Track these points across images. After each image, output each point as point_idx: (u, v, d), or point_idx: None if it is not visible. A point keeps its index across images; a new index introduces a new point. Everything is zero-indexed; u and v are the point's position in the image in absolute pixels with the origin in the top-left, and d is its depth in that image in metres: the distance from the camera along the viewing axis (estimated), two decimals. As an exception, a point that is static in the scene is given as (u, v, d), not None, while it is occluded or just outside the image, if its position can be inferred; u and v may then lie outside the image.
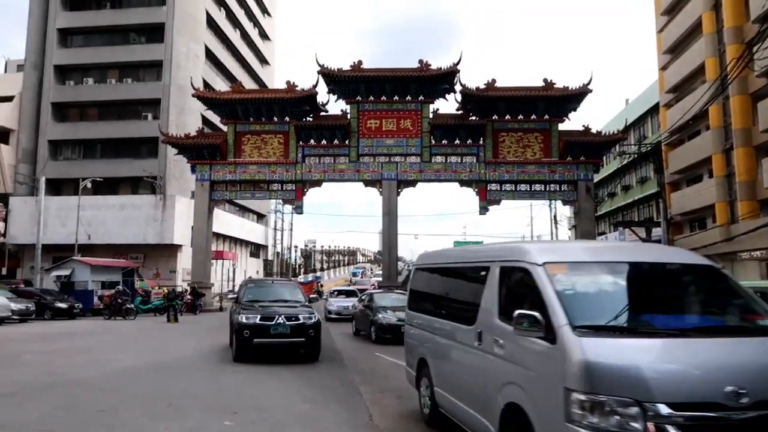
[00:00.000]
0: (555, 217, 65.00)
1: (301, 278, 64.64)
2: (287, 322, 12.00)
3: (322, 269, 76.42)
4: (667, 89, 38.15)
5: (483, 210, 34.10)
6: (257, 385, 9.59)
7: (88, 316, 27.73)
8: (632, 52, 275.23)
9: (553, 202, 59.58)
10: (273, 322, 11.97)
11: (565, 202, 34.99)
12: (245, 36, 62.08)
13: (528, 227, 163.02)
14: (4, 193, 43.42)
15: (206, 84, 48.22)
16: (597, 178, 37.92)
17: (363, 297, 20.76)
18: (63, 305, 26.10)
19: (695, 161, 35.22)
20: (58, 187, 45.38)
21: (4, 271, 41.38)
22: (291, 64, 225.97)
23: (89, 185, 39.01)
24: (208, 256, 35.55)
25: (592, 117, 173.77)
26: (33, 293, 26.54)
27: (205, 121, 46.09)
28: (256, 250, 69.68)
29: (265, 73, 68.01)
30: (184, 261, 46.23)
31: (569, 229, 71.95)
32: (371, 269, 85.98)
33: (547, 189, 33.98)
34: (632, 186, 48.91)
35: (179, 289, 37.18)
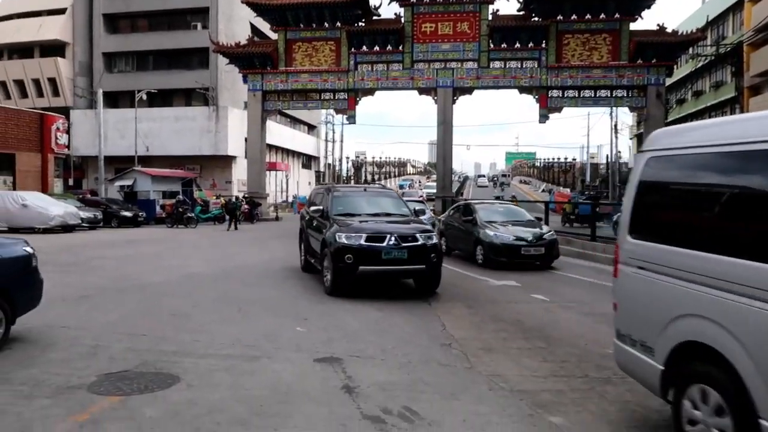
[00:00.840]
0: (615, 126, 62.10)
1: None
2: (402, 244, 9.02)
3: (373, 180, 76.29)
4: (754, -19, 34.38)
5: (543, 118, 32.54)
6: (323, 294, 9.50)
7: (151, 224, 28.62)
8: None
9: (615, 109, 56.82)
10: (384, 244, 8.94)
11: (632, 109, 32.99)
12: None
13: (584, 137, 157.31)
14: (65, 106, 44.28)
15: (254, -11, 46.53)
16: (667, 83, 35.35)
17: (456, 208, 16.82)
18: (128, 214, 26.93)
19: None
20: (114, 99, 45.91)
21: (71, 182, 43.00)
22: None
23: (144, 97, 39.21)
24: (263, 166, 35.72)
25: (664, 16, 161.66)
26: (100, 202, 27.46)
27: (255, 30, 44.92)
28: (307, 161, 70.00)
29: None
30: (239, 172, 46.87)
31: (630, 139, 68.90)
32: (419, 181, 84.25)
33: (613, 95, 31.93)
34: (705, 91, 45.65)
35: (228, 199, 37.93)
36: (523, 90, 32.38)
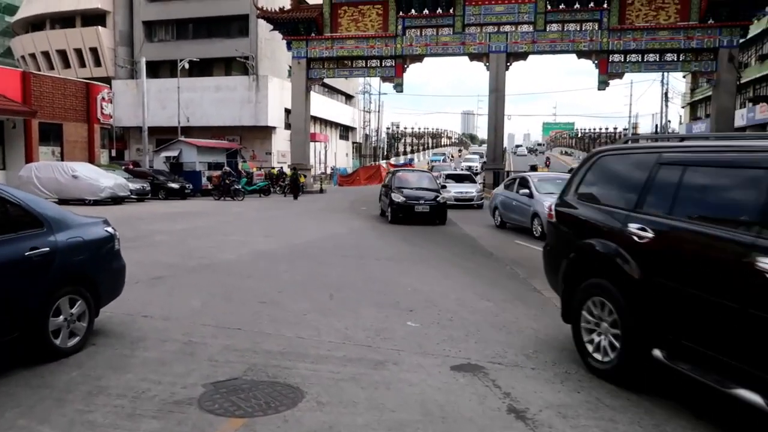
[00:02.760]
0: (666, 93, 59.23)
1: (392, 160, 63.84)
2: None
3: (412, 151, 74.82)
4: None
5: (602, 85, 30.68)
6: (412, 275, 8.61)
7: (197, 196, 28.20)
8: None
9: (667, 76, 53.90)
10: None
11: (701, 74, 30.84)
12: None
13: (626, 107, 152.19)
14: (106, 76, 43.99)
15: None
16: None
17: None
18: (175, 185, 26.47)
19: None
20: (154, 69, 45.41)
21: (113, 153, 42.95)
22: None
23: (186, 66, 38.51)
24: (307, 137, 34.88)
25: None
26: (147, 174, 27.05)
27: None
28: (345, 132, 68.92)
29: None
30: (279, 143, 46.26)
31: (682, 107, 65.67)
32: (451, 155, 76.55)
33: (680, 59, 29.84)
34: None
35: (278, 171, 37.31)
36: (581, 54, 30.53)
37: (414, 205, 16.09)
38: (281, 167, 37.40)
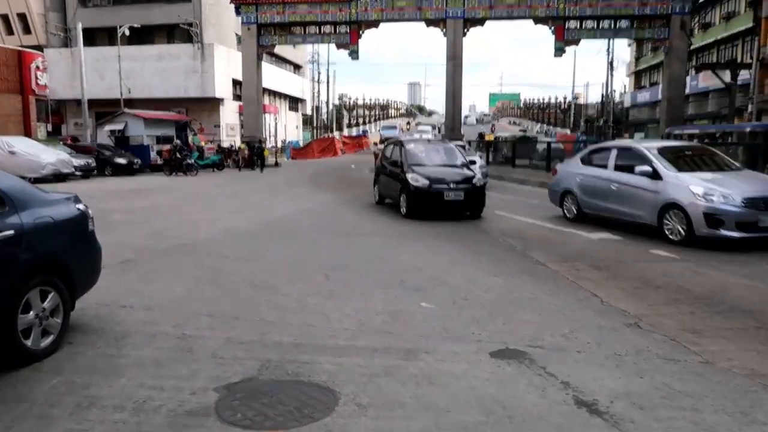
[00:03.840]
0: (611, 63, 60.14)
1: (345, 132, 62.72)
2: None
3: (362, 123, 73.61)
4: None
5: (559, 52, 30.71)
6: (405, 253, 8.11)
7: (146, 172, 26.71)
8: None
9: (612, 44, 54.47)
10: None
11: (654, 41, 31.13)
12: None
13: (571, 77, 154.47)
14: (37, 44, 40.87)
15: None
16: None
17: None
18: (122, 161, 24.91)
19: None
20: (90, 36, 42.32)
21: (49, 128, 40.25)
22: None
23: (127, 32, 36.10)
24: (260, 108, 33.62)
25: None
26: (91, 149, 25.27)
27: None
28: (294, 104, 67.05)
29: None
30: (227, 116, 44.52)
31: (627, 76, 67.00)
32: (402, 126, 74.21)
33: (634, 25, 30.06)
34: (714, 24, 43.81)
35: (228, 145, 35.91)
36: (538, 20, 30.35)
37: (443, 191, 11.10)
38: (258, 140, 36.70)
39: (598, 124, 52.36)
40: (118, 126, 27.95)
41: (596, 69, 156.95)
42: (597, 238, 9.12)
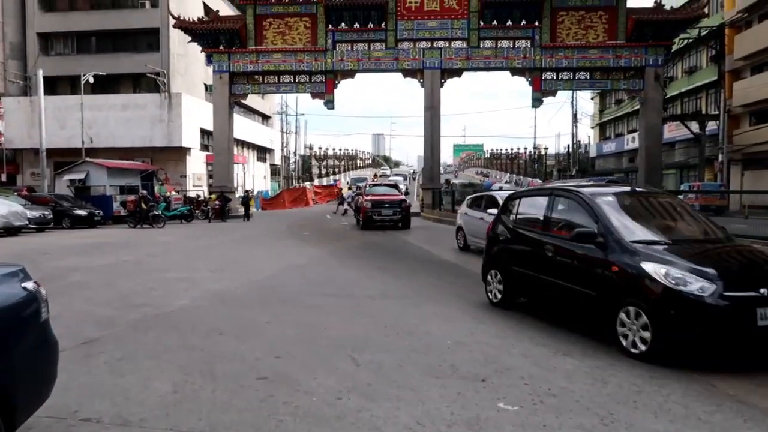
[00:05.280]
0: (576, 115, 61.30)
1: (316, 182, 61.73)
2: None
3: (327, 174, 72.36)
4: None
5: (536, 102, 30.62)
6: (435, 319, 6.78)
7: (108, 224, 24.86)
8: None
9: (575, 97, 55.45)
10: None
11: (629, 92, 31.31)
12: None
13: (531, 129, 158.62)
14: (-6, 93, 39.02)
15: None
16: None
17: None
18: (82, 212, 23.06)
19: (772, 44, 31.29)
20: (52, 85, 40.76)
21: (3, 178, 37.91)
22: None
23: (91, 80, 34.66)
24: (231, 157, 32.28)
25: None
26: (48, 199, 23.36)
27: (209, 11, 40.91)
28: (262, 153, 65.93)
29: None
30: (194, 165, 43.03)
31: (592, 128, 68.37)
32: (373, 176, 74.66)
33: (610, 77, 30.23)
34: (676, 77, 44.96)
35: (195, 195, 34.35)
36: (515, 72, 30.28)
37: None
38: (246, 190, 36.26)
39: (571, 174, 52.70)
40: (78, 175, 26.16)
41: (560, 121, 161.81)
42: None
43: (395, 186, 25.21)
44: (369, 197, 21.79)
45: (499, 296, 7.26)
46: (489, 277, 7.53)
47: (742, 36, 34.68)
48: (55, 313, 3.58)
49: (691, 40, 36.05)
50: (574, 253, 5.91)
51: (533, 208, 7.07)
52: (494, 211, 10.89)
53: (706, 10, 29.73)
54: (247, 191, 35.05)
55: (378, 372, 4.75)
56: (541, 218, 6.64)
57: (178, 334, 5.99)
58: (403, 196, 22.70)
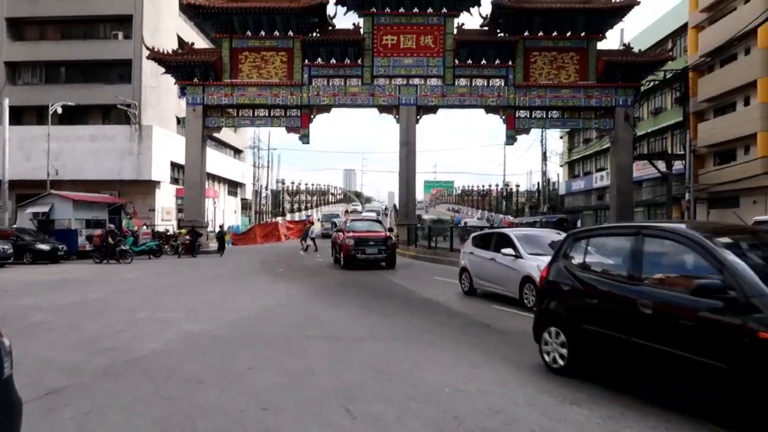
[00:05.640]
0: (545, 153, 62.48)
1: (288, 217, 61.16)
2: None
3: (299, 209, 72.07)
4: (701, 8, 34.94)
5: (510, 140, 30.98)
6: (431, 366, 6.40)
7: (73, 259, 23.88)
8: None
9: (545, 135, 56.64)
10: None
11: (600, 131, 31.97)
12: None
13: (499, 166, 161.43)
14: (-45, 122, 37.71)
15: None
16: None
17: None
18: (45, 247, 22.10)
19: (733, 87, 32.47)
20: (18, 115, 39.76)
21: (-39, 211, 36.40)
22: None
23: (59, 110, 33.86)
24: (203, 191, 31.64)
25: (618, 35, 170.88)
26: (8, 233, 22.35)
27: (183, 44, 40.80)
28: (233, 188, 65.24)
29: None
30: (163, 199, 42.21)
31: (561, 166, 69.67)
32: (344, 212, 74.64)
33: (582, 116, 30.83)
34: (642, 118, 46.24)
35: (164, 230, 33.49)
36: (489, 110, 30.68)
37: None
38: (220, 225, 36.02)
39: (542, 211, 53.33)
40: (42, 208, 25.22)
41: (531, 159, 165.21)
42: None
43: (378, 221, 23.79)
44: (351, 234, 19.83)
45: (562, 362, 5.86)
46: (546, 335, 6.11)
47: (704, 79, 35.87)
48: (17, 357, 3.13)
49: (656, 82, 37.22)
50: (690, 313, 4.52)
51: (611, 250, 5.89)
52: (510, 251, 10.72)
53: (672, 53, 30.73)
54: (221, 226, 35.52)
55: (377, 426, 4.35)
56: (627, 264, 5.36)
57: (152, 383, 5.48)
58: (387, 233, 20.75)
